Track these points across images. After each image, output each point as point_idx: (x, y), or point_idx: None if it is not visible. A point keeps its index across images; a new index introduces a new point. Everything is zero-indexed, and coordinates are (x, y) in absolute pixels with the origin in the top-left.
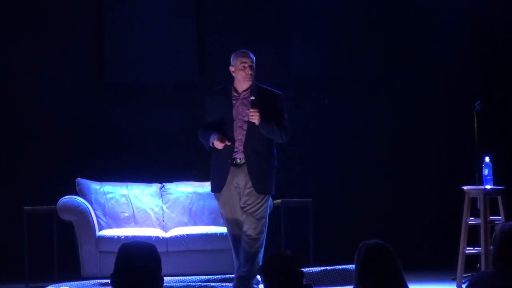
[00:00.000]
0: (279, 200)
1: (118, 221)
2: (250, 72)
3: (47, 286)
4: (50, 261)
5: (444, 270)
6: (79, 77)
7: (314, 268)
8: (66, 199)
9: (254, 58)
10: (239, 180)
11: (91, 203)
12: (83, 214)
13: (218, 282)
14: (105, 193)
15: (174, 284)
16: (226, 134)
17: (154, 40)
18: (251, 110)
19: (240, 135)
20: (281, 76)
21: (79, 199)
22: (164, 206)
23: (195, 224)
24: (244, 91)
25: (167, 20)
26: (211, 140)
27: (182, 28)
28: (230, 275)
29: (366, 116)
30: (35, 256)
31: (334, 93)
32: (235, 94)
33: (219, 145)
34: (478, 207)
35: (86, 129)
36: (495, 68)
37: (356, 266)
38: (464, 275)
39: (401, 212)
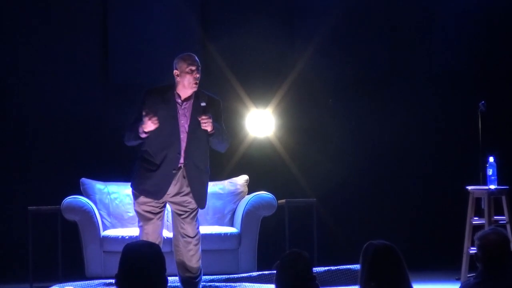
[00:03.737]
0: (283, 200)
1: (122, 221)
2: (197, 76)
3: (52, 286)
4: (54, 261)
5: (449, 269)
6: (84, 77)
7: (319, 268)
8: (71, 199)
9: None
10: (172, 190)
11: (95, 203)
12: (88, 214)
13: (223, 282)
14: (109, 193)
15: (178, 284)
16: (171, 143)
17: (159, 40)
18: (203, 117)
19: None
20: (286, 76)
21: (84, 199)
22: (168, 206)
23: (200, 224)
24: (186, 99)
25: (172, 21)
26: (141, 125)
27: (187, 28)
28: (235, 275)
29: (370, 117)
30: (40, 256)
31: (338, 93)
32: (178, 101)
33: (151, 124)
34: (483, 207)
35: (90, 129)
36: (500, 68)
37: (361, 266)
38: (468, 275)
39: (405, 212)
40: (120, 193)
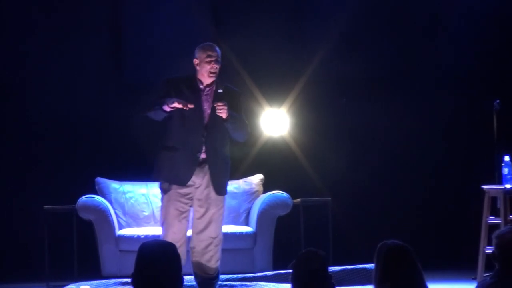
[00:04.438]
0: (298, 199)
1: (137, 220)
2: (216, 66)
3: (68, 285)
4: (70, 260)
5: (465, 269)
6: (98, 77)
7: (334, 267)
8: (86, 198)
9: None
10: (197, 179)
11: (110, 202)
12: (103, 213)
13: (238, 282)
14: (124, 192)
15: (194, 283)
16: (194, 127)
17: (172, 40)
18: (219, 103)
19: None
20: (300, 76)
21: (99, 198)
22: None
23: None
24: (208, 85)
25: (185, 21)
26: (168, 103)
27: (200, 28)
28: (250, 274)
29: (384, 116)
30: (56, 255)
31: (352, 93)
32: (201, 87)
33: (178, 105)
34: (498, 206)
35: (105, 129)
36: None
37: (375, 266)
38: (484, 275)
39: (420, 211)
40: (135, 192)
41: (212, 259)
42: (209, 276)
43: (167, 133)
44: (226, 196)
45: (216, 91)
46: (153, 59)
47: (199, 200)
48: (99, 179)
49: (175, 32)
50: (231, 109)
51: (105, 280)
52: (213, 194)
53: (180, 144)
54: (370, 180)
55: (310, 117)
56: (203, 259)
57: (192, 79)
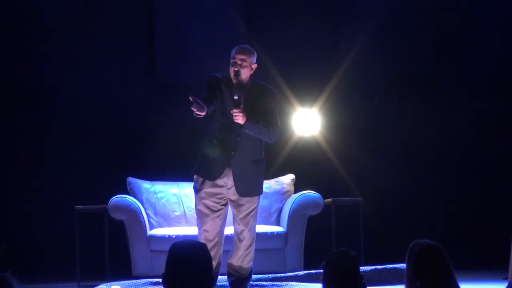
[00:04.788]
0: (329, 199)
1: (169, 220)
2: (235, 69)
3: (99, 285)
4: (101, 260)
5: (496, 269)
6: (130, 77)
7: (365, 267)
8: (117, 198)
9: (251, 55)
10: (228, 181)
11: (142, 202)
12: (134, 213)
13: (269, 281)
14: (156, 192)
15: (225, 283)
16: (232, 125)
17: (205, 40)
18: (234, 110)
19: None
20: (332, 75)
21: (130, 198)
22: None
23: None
24: (240, 87)
25: (218, 21)
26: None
27: (233, 27)
28: (281, 274)
29: (416, 116)
30: (87, 255)
31: (384, 92)
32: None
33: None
34: None
35: (137, 129)
36: None
37: (407, 266)
38: None
39: (452, 212)
40: (166, 192)
41: (245, 259)
42: (242, 276)
43: (207, 130)
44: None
45: (233, 97)
46: (185, 59)
47: (232, 201)
48: (131, 179)
49: (207, 33)
50: (259, 111)
51: (136, 280)
52: (247, 199)
53: (214, 142)
54: (401, 179)
55: (342, 117)
56: (236, 258)
57: (230, 80)
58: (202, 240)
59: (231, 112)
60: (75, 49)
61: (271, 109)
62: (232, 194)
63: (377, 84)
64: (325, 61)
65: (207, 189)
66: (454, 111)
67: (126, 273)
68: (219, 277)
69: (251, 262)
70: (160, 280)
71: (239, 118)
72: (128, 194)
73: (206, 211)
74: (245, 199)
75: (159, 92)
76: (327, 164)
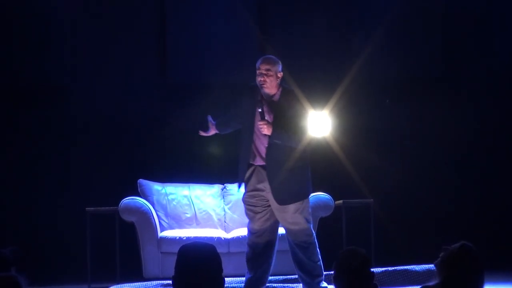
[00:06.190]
0: (340, 201)
1: (180, 222)
2: (260, 79)
3: (109, 286)
4: (112, 262)
5: (509, 270)
6: (142, 78)
7: (376, 268)
8: (128, 200)
9: (275, 64)
10: (267, 185)
11: (153, 204)
12: (145, 215)
13: (280, 283)
14: (167, 194)
15: (235, 285)
16: (260, 135)
17: (217, 41)
18: (259, 122)
19: (265, 143)
20: (343, 77)
21: (141, 200)
22: (226, 207)
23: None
24: (271, 96)
25: (230, 22)
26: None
27: (244, 29)
28: (292, 276)
29: (427, 117)
30: (98, 256)
31: (395, 94)
32: (260, 98)
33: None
34: None
35: (148, 130)
36: None
37: (441, 270)
38: None
39: (463, 213)
40: (177, 194)
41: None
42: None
43: (241, 139)
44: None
45: (258, 109)
46: (197, 60)
47: (272, 204)
48: (142, 181)
49: (219, 34)
50: (289, 116)
51: (147, 282)
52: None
53: (241, 149)
54: (411, 181)
55: (353, 119)
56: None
57: (258, 89)
58: (248, 241)
59: (258, 123)
60: (87, 51)
61: (300, 116)
62: (271, 198)
63: (388, 85)
64: (336, 63)
65: (249, 192)
66: (465, 112)
67: (136, 275)
68: (229, 279)
69: (306, 265)
70: (170, 282)
71: (265, 129)
72: (139, 196)
73: (248, 213)
74: (289, 207)
75: (171, 93)
76: (337, 165)
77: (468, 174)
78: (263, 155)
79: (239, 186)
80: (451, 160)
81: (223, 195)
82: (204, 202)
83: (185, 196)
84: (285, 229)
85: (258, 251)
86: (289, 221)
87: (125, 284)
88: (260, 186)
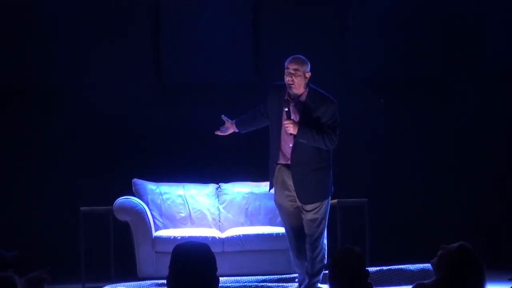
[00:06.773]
0: (335, 200)
1: (174, 222)
2: (289, 78)
3: (104, 286)
4: (106, 262)
5: (501, 269)
6: (137, 78)
7: (370, 268)
8: (123, 199)
9: (304, 64)
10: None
11: (147, 204)
12: (140, 215)
13: (274, 283)
14: (161, 194)
15: (230, 284)
16: (285, 136)
17: (211, 42)
18: (285, 121)
19: (290, 142)
20: (337, 76)
21: (136, 200)
22: (220, 207)
23: (251, 224)
24: (297, 96)
25: (224, 23)
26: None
27: (238, 29)
28: (286, 275)
29: (423, 116)
30: (92, 256)
31: (390, 93)
32: (290, 98)
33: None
34: None
35: (143, 130)
36: None
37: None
38: None
39: (457, 212)
40: (172, 193)
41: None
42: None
43: (270, 139)
44: (261, 196)
45: (284, 109)
46: (191, 60)
47: (298, 202)
48: (136, 180)
49: (214, 35)
50: (315, 119)
51: (142, 282)
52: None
53: (270, 148)
54: (406, 181)
55: (348, 118)
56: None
57: (284, 89)
58: (290, 243)
59: (283, 123)
60: (81, 52)
61: (327, 117)
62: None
63: (384, 85)
64: (331, 61)
65: (277, 190)
66: (463, 111)
67: (131, 275)
68: (223, 278)
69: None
70: (165, 281)
71: (291, 129)
72: (134, 195)
73: (279, 211)
74: (308, 206)
75: (165, 93)
76: (332, 165)
77: (464, 174)
78: (288, 155)
79: (271, 187)
80: (448, 160)
81: (218, 194)
82: (199, 201)
83: (180, 196)
84: (304, 225)
85: (299, 249)
86: (308, 218)
87: (119, 284)
88: (286, 185)
